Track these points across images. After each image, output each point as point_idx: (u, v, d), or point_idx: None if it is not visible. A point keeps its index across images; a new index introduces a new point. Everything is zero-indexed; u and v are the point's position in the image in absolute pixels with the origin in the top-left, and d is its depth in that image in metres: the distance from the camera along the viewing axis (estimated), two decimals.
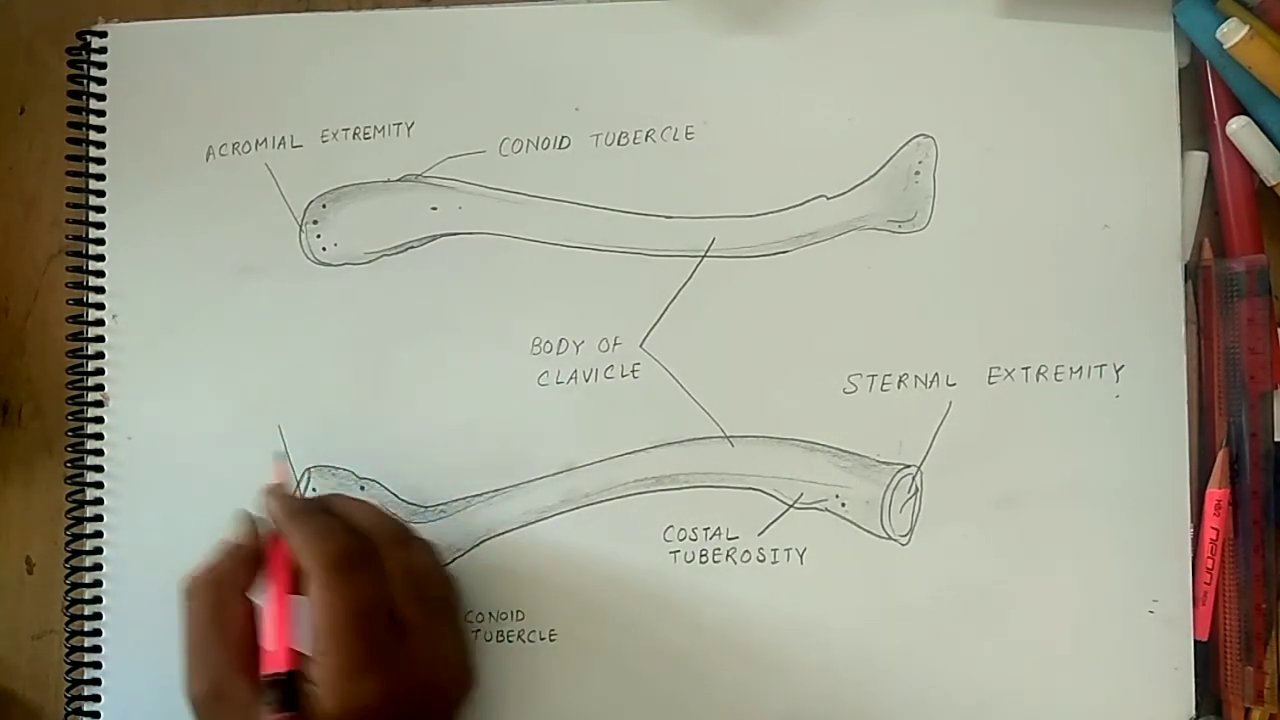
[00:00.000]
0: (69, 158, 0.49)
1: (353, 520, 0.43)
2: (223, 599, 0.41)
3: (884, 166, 0.47)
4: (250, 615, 0.42)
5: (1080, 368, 0.46)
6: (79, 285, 0.49)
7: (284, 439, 0.48)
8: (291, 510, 0.42)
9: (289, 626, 0.40)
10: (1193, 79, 0.46)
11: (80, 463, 0.49)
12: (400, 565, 0.42)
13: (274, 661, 0.40)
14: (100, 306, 0.49)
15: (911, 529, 0.46)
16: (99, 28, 0.50)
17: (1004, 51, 0.47)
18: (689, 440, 0.47)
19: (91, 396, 0.49)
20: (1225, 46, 0.44)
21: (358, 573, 0.40)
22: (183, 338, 0.49)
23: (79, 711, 0.48)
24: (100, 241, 0.49)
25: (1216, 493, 0.45)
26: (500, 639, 0.47)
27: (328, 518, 0.42)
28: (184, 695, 0.41)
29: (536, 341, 0.48)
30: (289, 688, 0.40)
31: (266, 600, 0.42)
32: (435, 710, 0.43)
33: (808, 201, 0.47)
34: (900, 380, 0.46)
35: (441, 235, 0.48)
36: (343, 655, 0.39)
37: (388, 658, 0.40)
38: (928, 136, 0.47)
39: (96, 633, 0.48)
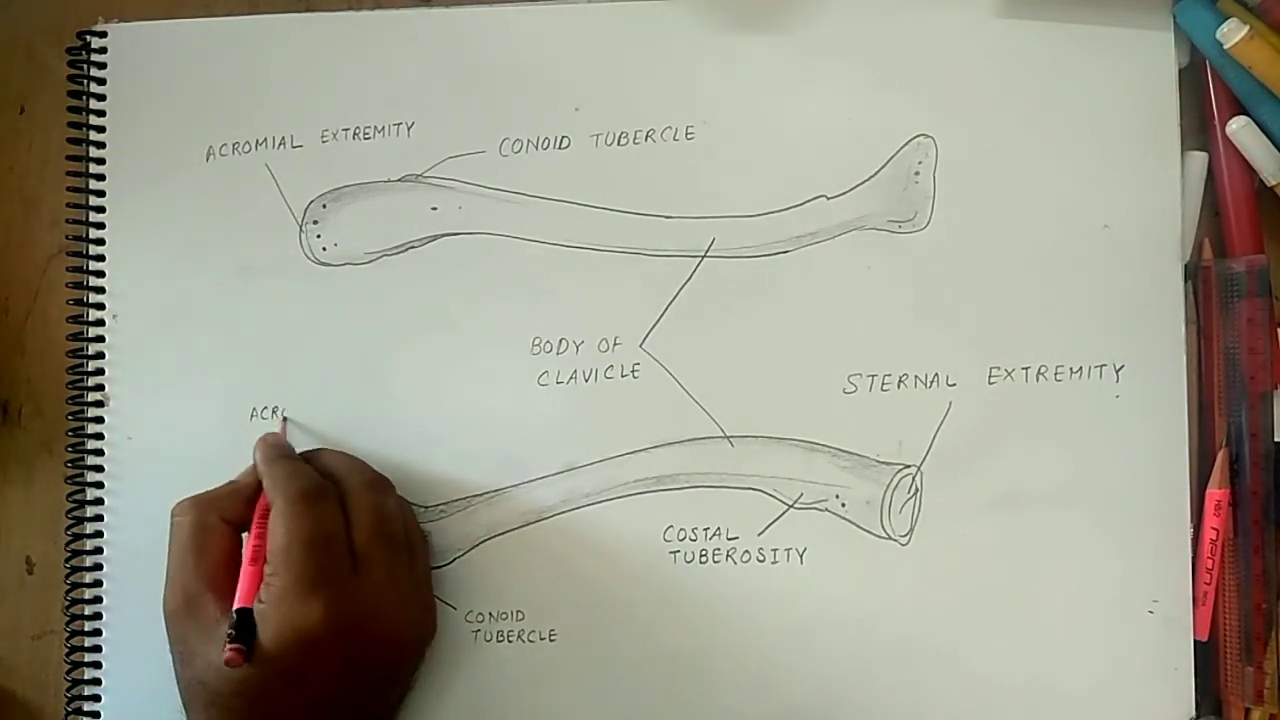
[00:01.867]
0: (69, 158, 0.49)
1: (328, 467, 0.45)
2: (205, 522, 0.43)
3: (884, 166, 0.47)
4: (234, 545, 0.43)
5: (1080, 368, 0.46)
6: (79, 285, 0.49)
7: None
8: (269, 454, 0.45)
9: (259, 564, 0.42)
10: (1193, 79, 0.46)
11: (80, 463, 0.49)
12: (366, 505, 0.43)
13: (241, 595, 0.41)
14: (100, 306, 0.49)
15: (911, 529, 0.46)
16: (99, 28, 0.50)
17: (1004, 51, 0.47)
18: (689, 440, 0.47)
19: (91, 396, 0.49)
20: (1225, 46, 0.43)
21: (315, 505, 0.42)
22: (183, 338, 0.49)
23: (79, 711, 0.48)
24: (100, 241, 0.49)
25: (1216, 493, 0.45)
26: (500, 639, 0.47)
27: (299, 462, 0.45)
28: (162, 609, 0.43)
29: (536, 341, 0.48)
30: (249, 623, 0.41)
31: (248, 539, 0.43)
32: (385, 648, 0.43)
33: (808, 201, 0.47)
34: (900, 380, 0.46)
35: (441, 235, 0.48)
36: (290, 575, 0.41)
37: (338, 584, 0.41)
38: (928, 136, 0.47)
39: (96, 633, 0.48)
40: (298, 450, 0.47)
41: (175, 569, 0.43)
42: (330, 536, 0.42)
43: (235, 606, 0.41)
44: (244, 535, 0.44)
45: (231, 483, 0.45)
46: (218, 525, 0.43)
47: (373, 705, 0.44)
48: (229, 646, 0.40)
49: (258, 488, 0.44)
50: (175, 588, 0.43)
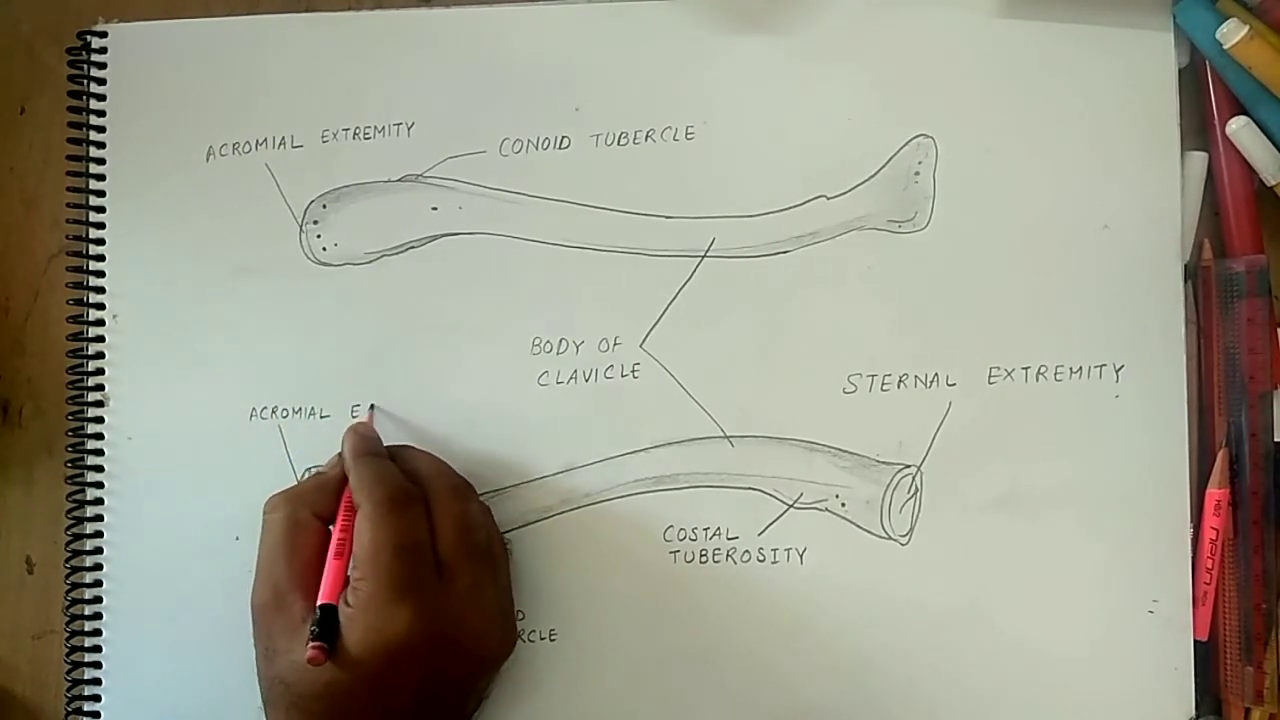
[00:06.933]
0: (69, 158, 0.49)
1: (413, 468, 0.44)
2: (296, 518, 0.43)
3: (884, 166, 0.47)
4: (325, 541, 0.43)
5: (1080, 368, 0.46)
6: (79, 285, 0.49)
7: (284, 438, 0.48)
8: (357, 451, 0.44)
9: (343, 560, 0.42)
10: (1193, 79, 0.46)
11: (80, 463, 0.49)
12: (451, 513, 0.43)
13: (324, 591, 0.41)
14: (100, 306, 0.49)
15: (911, 529, 0.46)
16: (99, 28, 0.50)
17: (1004, 51, 0.47)
18: (689, 440, 0.47)
19: (91, 396, 0.49)
20: (1225, 47, 0.44)
21: (403, 511, 0.41)
22: (183, 338, 0.49)
23: (79, 711, 0.48)
24: (100, 241, 0.49)
25: (1216, 493, 0.45)
26: None
27: (387, 462, 0.44)
28: (250, 603, 0.42)
29: (536, 341, 0.48)
30: (332, 619, 0.40)
31: (333, 532, 0.43)
32: (468, 659, 0.43)
33: (808, 201, 0.47)
34: (900, 380, 0.46)
35: (441, 235, 0.48)
36: (378, 581, 0.40)
37: (425, 593, 0.41)
38: (928, 136, 0.47)
39: (96, 633, 0.48)
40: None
41: (265, 565, 0.42)
42: (417, 545, 0.41)
43: (319, 602, 0.41)
44: (330, 529, 0.43)
45: (319, 474, 0.45)
46: (309, 521, 0.43)
47: (450, 716, 0.43)
48: (311, 644, 0.39)
49: (344, 480, 0.44)
50: (265, 583, 0.42)
